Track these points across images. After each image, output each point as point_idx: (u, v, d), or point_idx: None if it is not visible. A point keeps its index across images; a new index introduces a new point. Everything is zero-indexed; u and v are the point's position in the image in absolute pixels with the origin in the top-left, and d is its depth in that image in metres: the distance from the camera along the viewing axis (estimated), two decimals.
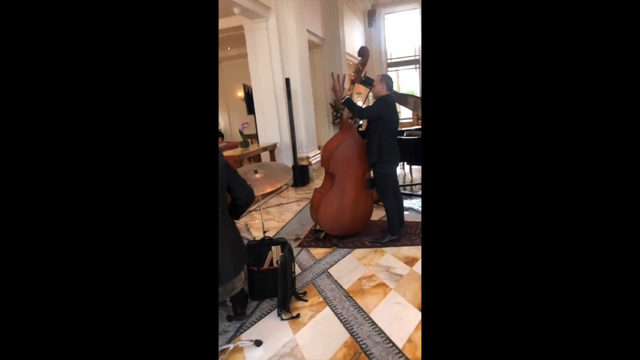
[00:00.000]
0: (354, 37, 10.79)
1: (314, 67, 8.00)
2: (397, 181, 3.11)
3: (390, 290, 2.26)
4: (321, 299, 2.22)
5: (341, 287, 2.35)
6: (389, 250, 2.85)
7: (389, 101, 2.87)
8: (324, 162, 3.02)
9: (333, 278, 2.48)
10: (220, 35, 6.18)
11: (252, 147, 5.35)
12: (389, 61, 13.22)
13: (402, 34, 13.10)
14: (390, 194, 2.92)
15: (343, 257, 2.80)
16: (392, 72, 13.50)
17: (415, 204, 4.04)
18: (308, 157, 5.78)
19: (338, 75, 8.27)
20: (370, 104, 2.98)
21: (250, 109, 6.03)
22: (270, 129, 5.63)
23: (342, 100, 2.90)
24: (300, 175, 5.47)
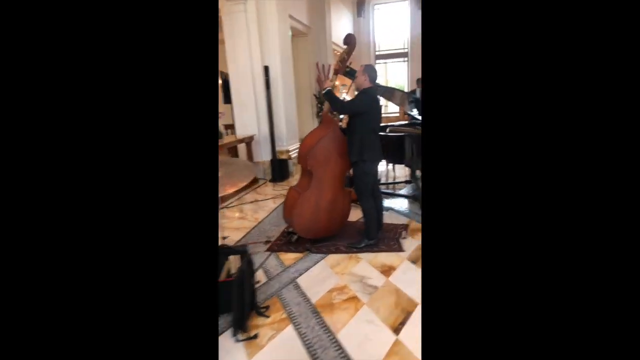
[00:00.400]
0: (341, 26, 10.45)
1: (297, 56, 7.67)
2: (377, 180, 2.87)
3: (362, 306, 2.02)
4: (285, 315, 1.97)
5: (308, 300, 2.11)
6: (365, 257, 2.62)
7: (372, 95, 2.61)
8: (302, 159, 2.74)
9: (301, 289, 2.23)
10: None
11: (228, 139, 5.03)
12: (377, 53, 12.94)
13: (392, 26, 12.83)
14: (368, 194, 2.67)
15: (315, 264, 2.56)
16: (380, 65, 13.25)
17: (397, 203, 3.82)
18: (288, 151, 5.49)
19: (323, 66, 7.92)
20: (353, 98, 2.70)
21: (227, 98, 5.68)
22: (247, 119, 5.30)
23: (323, 92, 2.61)
24: (279, 169, 5.18)
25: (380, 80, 13.70)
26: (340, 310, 2.00)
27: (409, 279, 2.27)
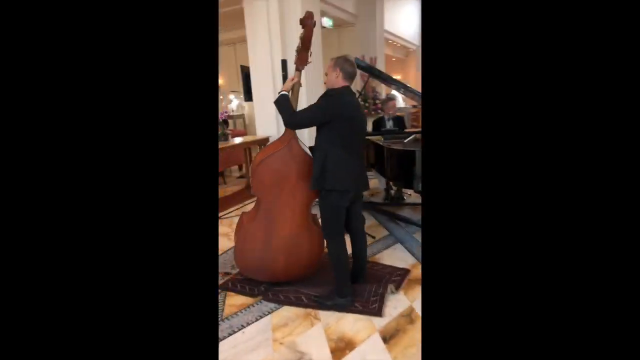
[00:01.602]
0: (403, 14, 9.41)
1: (342, 48, 6.99)
2: (358, 213, 2.14)
3: None
4: None
5: None
6: (326, 318, 1.94)
7: (343, 98, 1.87)
8: (251, 178, 2.16)
9: None
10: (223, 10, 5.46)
11: (239, 140, 4.62)
12: None
13: None
14: (335, 234, 1.96)
15: (258, 320, 1.96)
16: None
17: (409, 235, 2.99)
18: None
19: (371, 59, 7.13)
20: (313, 104, 1.98)
21: (249, 95, 5.29)
22: (266, 118, 4.84)
23: (276, 98, 1.89)
24: None
25: None
26: None
27: None
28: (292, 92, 2.02)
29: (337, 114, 1.82)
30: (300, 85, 2.07)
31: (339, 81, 1.88)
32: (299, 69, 2.05)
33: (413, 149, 2.49)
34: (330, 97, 1.85)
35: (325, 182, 1.86)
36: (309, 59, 2.06)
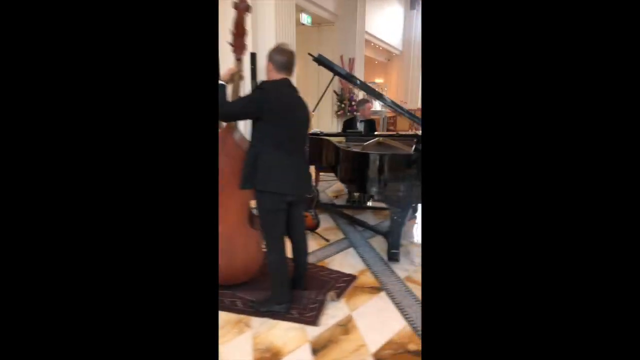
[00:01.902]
0: (386, 17, 9.41)
1: (321, 47, 6.89)
2: (300, 217, 2.03)
3: None
4: None
5: None
6: (258, 326, 1.82)
7: (277, 90, 1.73)
8: None
9: None
10: None
11: None
12: None
13: None
14: (275, 240, 1.85)
15: None
16: None
17: (364, 240, 2.92)
18: None
19: (350, 60, 7.06)
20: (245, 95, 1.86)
21: None
22: None
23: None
24: None
25: None
26: None
27: None
28: (233, 84, 1.89)
29: (267, 108, 1.68)
30: (241, 77, 1.94)
31: (273, 74, 1.76)
32: (238, 59, 1.92)
33: (367, 152, 2.40)
34: (262, 89, 1.72)
35: (257, 183, 1.73)
36: (246, 47, 1.93)
